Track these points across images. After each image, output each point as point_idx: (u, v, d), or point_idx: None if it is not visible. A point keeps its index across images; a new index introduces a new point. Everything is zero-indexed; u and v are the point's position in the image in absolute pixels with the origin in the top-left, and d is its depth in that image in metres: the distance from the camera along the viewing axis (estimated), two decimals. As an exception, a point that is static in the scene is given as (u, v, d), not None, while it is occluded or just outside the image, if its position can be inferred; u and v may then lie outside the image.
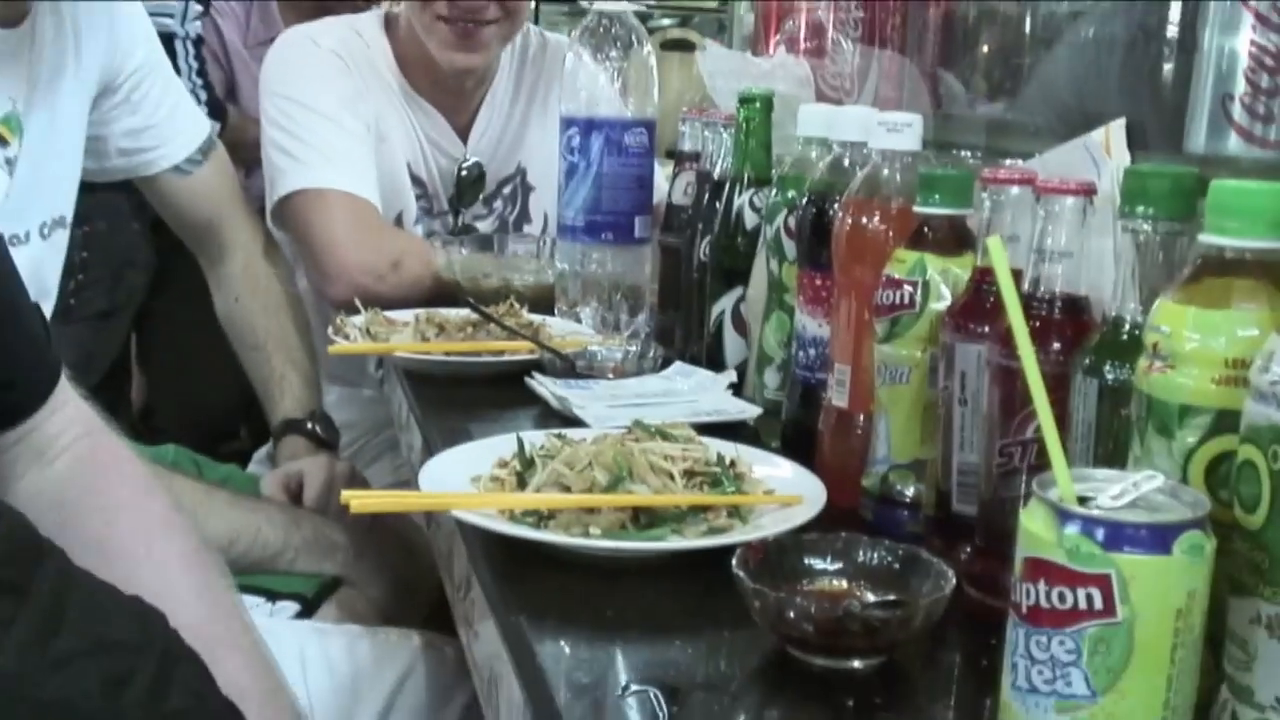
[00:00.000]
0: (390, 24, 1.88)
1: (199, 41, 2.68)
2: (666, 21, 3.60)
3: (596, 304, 1.55)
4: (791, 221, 1.15)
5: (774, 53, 1.57)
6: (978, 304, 0.86)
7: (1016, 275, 0.83)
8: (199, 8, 2.67)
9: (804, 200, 1.11)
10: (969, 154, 1.09)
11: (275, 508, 1.34)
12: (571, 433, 1.07)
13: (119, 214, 2.63)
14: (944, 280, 0.92)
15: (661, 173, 1.67)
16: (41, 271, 1.49)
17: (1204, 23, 0.93)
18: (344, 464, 1.59)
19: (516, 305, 1.54)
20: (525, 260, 1.70)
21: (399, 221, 1.87)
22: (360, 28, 1.87)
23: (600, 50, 1.53)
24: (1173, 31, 1.00)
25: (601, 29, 1.52)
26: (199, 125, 1.72)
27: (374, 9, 2.10)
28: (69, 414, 0.90)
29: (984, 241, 0.83)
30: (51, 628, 0.71)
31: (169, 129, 1.66)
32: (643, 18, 3.47)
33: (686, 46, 3.18)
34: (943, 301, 0.91)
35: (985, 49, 1.55)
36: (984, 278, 0.86)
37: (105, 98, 1.56)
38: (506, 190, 1.98)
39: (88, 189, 1.68)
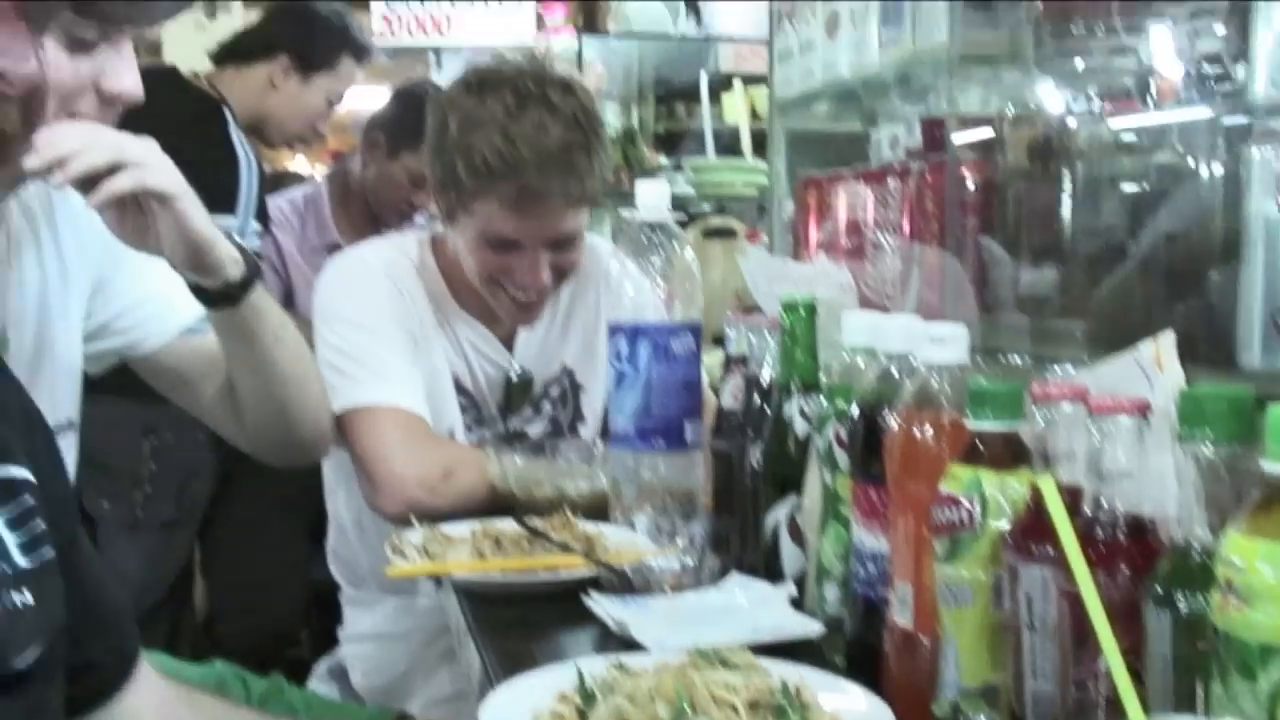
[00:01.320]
0: (437, 244, 1.93)
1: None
2: (706, 208, 3.67)
3: (651, 510, 1.53)
4: (842, 432, 1.14)
5: (814, 256, 1.59)
6: (1038, 523, 0.84)
7: (1075, 494, 0.81)
8: (258, 226, 2.75)
9: (854, 411, 1.10)
10: (1017, 358, 1.09)
11: None
12: (631, 660, 1.04)
13: (185, 425, 2.67)
14: (1002, 497, 0.90)
15: (707, 360, 1.67)
16: None
17: (1249, 238, 0.93)
18: None
19: (571, 516, 1.53)
20: (578, 467, 1.70)
21: (449, 436, 1.87)
22: (407, 248, 1.92)
23: (642, 257, 1.54)
24: (1217, 244, 1.00)
25: (643, 236, 1.54)
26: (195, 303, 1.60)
27: (418, 229, 2.15)
28: (146, 694, 0.89)
29: (1038, 478, 0.82)
30: None
31: (165, 303, 1.58)
32: (683, 205, 3.53)
33: (728, 233, 3.24)
34: (1003, 520, 0.89)
35: (1024, 214, 1.56)
36: (1043, 495, 0.84)
37: (98, 294, 1.55)
38: (555, 392, 1.99)
39: (157, 402, 1.69)
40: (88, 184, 1.28)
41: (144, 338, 1.59)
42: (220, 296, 1.45)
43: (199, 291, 1.45)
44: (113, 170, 1.29)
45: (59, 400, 1.49)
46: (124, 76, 1.27)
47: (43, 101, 1.22)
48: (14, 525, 0.84)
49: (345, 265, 1.91)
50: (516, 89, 1.75)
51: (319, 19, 2.98)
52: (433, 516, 1.59)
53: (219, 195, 2.59)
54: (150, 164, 1.32)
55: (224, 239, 1.44)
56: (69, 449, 1.48)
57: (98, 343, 1.56)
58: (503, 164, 1.72)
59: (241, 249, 1.47)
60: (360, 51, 3.03)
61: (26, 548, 0.86)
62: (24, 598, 0.84)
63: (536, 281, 1.79)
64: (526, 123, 1.73)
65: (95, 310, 1.55)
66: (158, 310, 1.58)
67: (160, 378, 1.64)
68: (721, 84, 4.57)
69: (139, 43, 1.36)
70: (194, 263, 1.41)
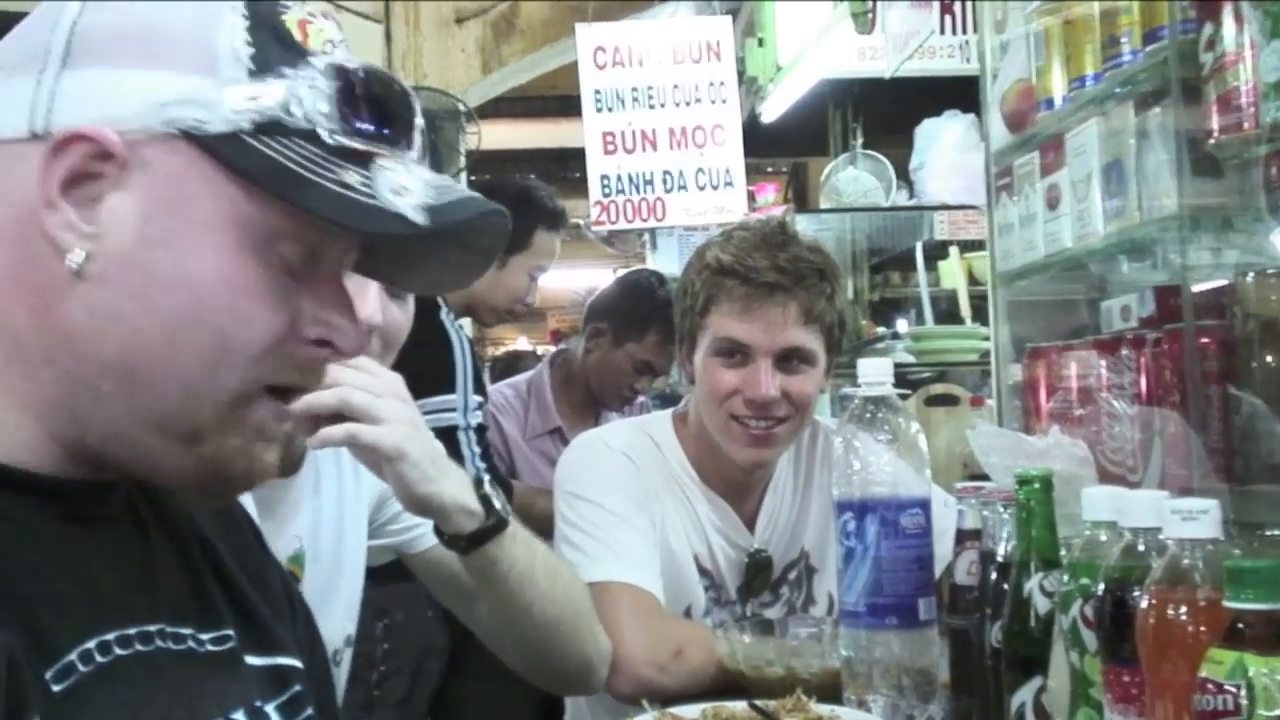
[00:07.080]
0: (679, 424, 1.97)
1: (481, 429, 2.83)
2: (927, 374, 3.63)
3: (886, 690, 1.49)
4: (1089, 611, 1.09)
5: (1046, 426, 1.55)
6: (1315, 712, 0.79)
7: (1356, 680, 0.76)
8: (478, 399, 2.84)
9: (1100, 589, 1.06)
10: (1276, 531, 1.03)
11: None
12: None
13: (416, 603, 2.74)
14: (1271, 683, 0.85)
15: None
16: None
17: None
18: None
19: (804, 697, 1.50)
20: (809, 645, 1.67)
21: (688, 614, 1.88)
22: (651, 429, 1.96)
23: (869, 433, 1.54)
24: None
25: (868, 413, 1.53)
26: None
27: (658, 411, 2.19)
28: None
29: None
30: None
31: None
32: (903, 373, 3.50)
33: (950, 400, 3.19)
34: (1274, 709, 0.83)
35: (1271, 361, 1.48)
36: (1318, 682, 0.79)
37: (380, 508, 1.61)
38: (792, 576, 1.97)
39: (388, 582, 1.75)
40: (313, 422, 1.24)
41: (416, 538, 1.61)
42: (451, 542, 1.42)
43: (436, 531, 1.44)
44: (337, 416, 1.26)
45: (350, 615, 1.55)
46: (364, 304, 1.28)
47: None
48: (287, 712, 0.88)
49: (588, 445, 1.95)
50: (762, 230, 1.85)
51: (506, 200, 3.05)
52: (664, 698, 1.58)
53: (437, 376, 2.67)
54: (382, 418, 1.28)
55: (456, 496, 1.38)
56: (346, 666, 1.53)
57: (372, 541, 1.62)
58: (734, 262, 1.80)
59: (488, 503, 1.41)
60: (553, 221, 3.09)
61: None
62: None
63: (765, 391, 1.78)
64: (763, 241, 1.82)
65: (375, 517, 1.61)
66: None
67: (437, 583, 1.64)
68: (937, 250, 4.56)
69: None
70: (418, 514, 1.40)
